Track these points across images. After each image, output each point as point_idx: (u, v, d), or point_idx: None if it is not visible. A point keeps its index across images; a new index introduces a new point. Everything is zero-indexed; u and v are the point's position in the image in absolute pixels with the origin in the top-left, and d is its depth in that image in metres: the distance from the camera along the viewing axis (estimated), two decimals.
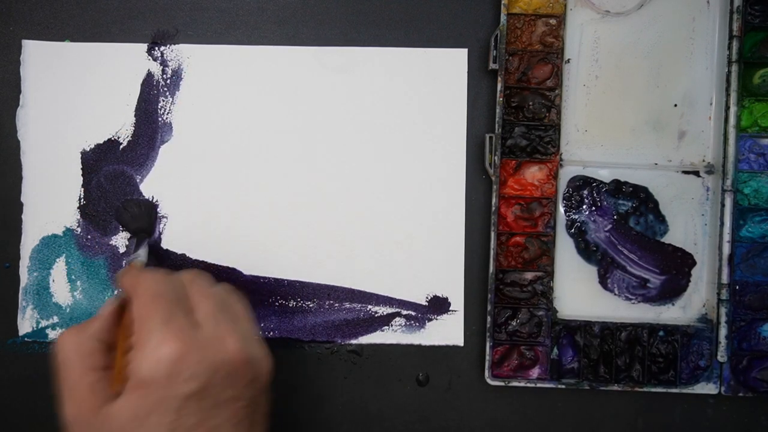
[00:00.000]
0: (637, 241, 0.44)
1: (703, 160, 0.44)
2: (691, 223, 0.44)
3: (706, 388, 0.43)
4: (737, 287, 0.43)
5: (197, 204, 0.44)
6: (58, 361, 0.31)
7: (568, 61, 0.44)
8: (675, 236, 0.44)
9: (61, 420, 0.31)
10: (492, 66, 0.43)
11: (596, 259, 0.44)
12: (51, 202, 0.43)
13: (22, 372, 0.44)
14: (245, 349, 0.31)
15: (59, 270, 0.44)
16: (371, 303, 0.44)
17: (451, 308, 0.44)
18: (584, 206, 0.44)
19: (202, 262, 0.44)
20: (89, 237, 0.44)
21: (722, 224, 0.43)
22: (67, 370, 0.31)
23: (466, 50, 0.44)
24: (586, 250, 0.44)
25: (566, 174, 0.44)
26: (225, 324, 0.31)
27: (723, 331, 0.43)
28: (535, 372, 0.43)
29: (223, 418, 0.30)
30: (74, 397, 0.30)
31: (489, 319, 0.43)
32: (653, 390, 0.43)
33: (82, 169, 0.44)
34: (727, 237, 0.43)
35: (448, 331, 0.44)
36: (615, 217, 0.44)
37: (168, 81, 0.44)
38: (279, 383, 0.44)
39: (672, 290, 0.44)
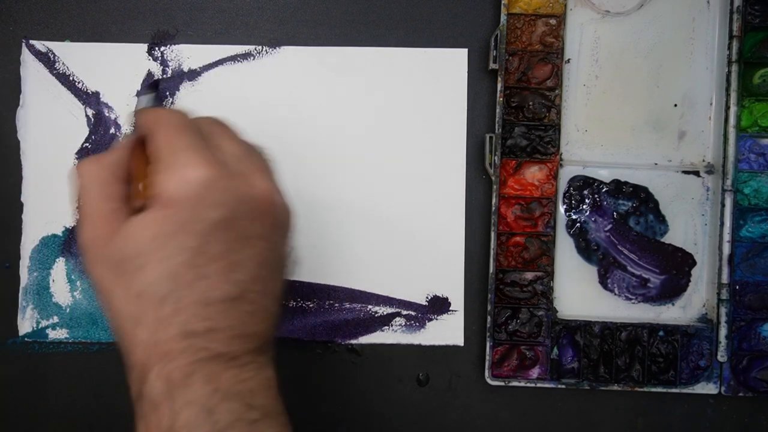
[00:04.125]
0: (637, 241, 0.44)
1: (703, 160, 0.44)
2: (691, 223, 0.44)
3: (706, 388, 0.43)
4: (737, 287, 0.43)
5: None
6: (77, 188, 0.30)
7: (568, 61, 0.44)
8: (675, 236, 0.44)
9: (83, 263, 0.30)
10: (492, 66, 0.43)
11: (596, 259, 0.44)
12: (51, 202, 0.43)
13: (22, 372, 0.44)
14: (272, 189, 0.29)
15: (59, 270, 0.44)
16: (371, 303, 0.44)
17: (451, 308, 0.44)
18: (584, 206, 0.44)
19: None
20: None
21: (722, 224, 0.43)
22: (85, 197, 0.29)
23: (466, 50, 0.44)
24: (587, 250, 0.44)
25: (566, 174, 0.44)
26: (251, 164, 0.30)
27: (723, 331, 0.43)
28: (535, 372, 0.43)
29: (247, 255, 0.28)
30: (91, 222, 0.29)
31: (489, 319, 0.43)
32: (653, 390, 0.43)
33: None
34: (727, 237, 0.43)
35: (448, 331, 0.44)
36: (615, 217, 0.44)
37: (168, 81, 0.44)
38: (278, 383, 0.44)
39: (672, 290, 0.44)
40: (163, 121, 0.29)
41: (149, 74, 0.44)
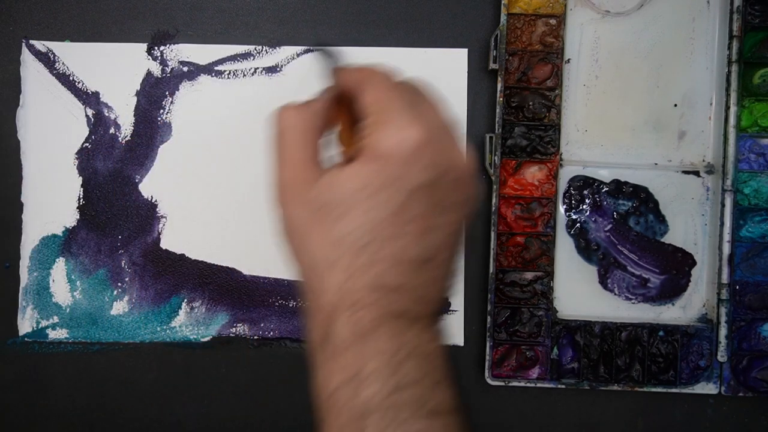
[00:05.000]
0: (637, 241, 0.44)
1: (703, 160, 0.44)
2: (691, 223, 0.44)
3: (706, 388, 0.43)
4: (737, 287, 0.43)
5: (196, 204, 0.44)
6: (278, 130, 0.31)
7: (568, 61, 0.44)
8: (675, 236, 0.44)
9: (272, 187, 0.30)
10: (492, 66, 0.43)
11: (596, 259, 0.44)
12: (51, 202, 0.43)
13: (22, 372, 0.44)
14: (472, 163, 0.30)
15: (59, 270, 0.44)
16: None
17: (451, 308, 0.44)
18: (584, 206, 0.44)
19: (202, 262, 0.44)
20: (89, 237, 0.44)
21: (722, 224, 0.43)
22: (286, 139, 0.30)
23: (466, 50, 0.44)
24: (587, 249, 0.44)
25: (566, 174, 0.44)
26: (454, 136, 0.30)
27: (723, 331, 0.43)
28: (535, 372, 0.43)
29: (442, 221, 0.28)
30: (291, 165, 0.30)
31: (489, 319, 0.43)
32: (653, 390, 0.43)
33: (81, 169, 0.44)
34: (727, 237, 0.43)
35: (448, 331, 0.44)
36: (615, 217, 0.44)
37: (167, 81, 0.44)
38: (279, 383, 0.44)
39: (672, 290, 0.44)
40: (377, 79, 0.30)
41: (149, 74, 0.44)
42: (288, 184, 0.29)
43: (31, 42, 0.43)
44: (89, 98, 0.44)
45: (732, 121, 0.43)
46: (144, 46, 0.44)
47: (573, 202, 0.44)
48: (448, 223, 0.29)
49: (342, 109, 0.32)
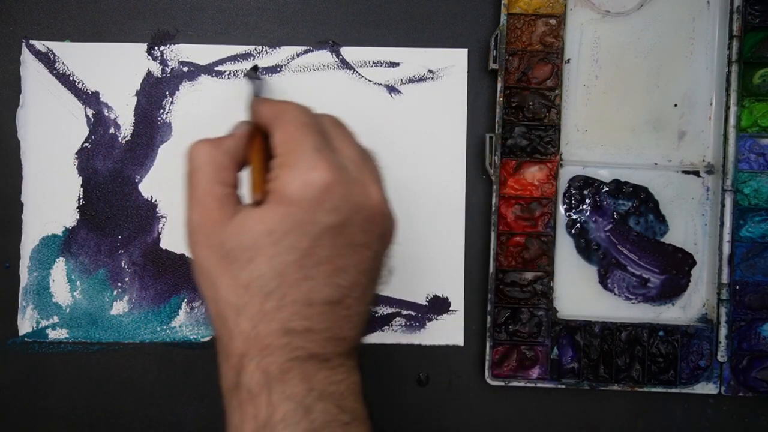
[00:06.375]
0: (637, 241, 0.44)
1: (703, 160, 0.44)
2: (691, 223, 0.44)
3: (706, 388, 0.43)
4: (737, 287, 0.43)
5: None
6: (189, 169, 0.30)
7: (568, 61, 0.44)
8: (675, 236, 0.44)
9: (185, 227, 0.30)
10: (492, 66, 0.43)
11: (596, 259, 0.44)
12: (51, 202, 0.43)
13: (22, 372, 0.44)
14: (384, 200, 0.30)
15: (59, 270, 0.44)
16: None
17: (451, 308, 0.44)
18: (584, 206, 0.44)
19: None
20: (89, 237, 0.44)
21: (722, 224, 0.43)
22: (198, 178, 0.30)
23: (466, 50, 0.44)
24: (587, 250, 0.44)
25: (566, 174, 0.44)
26: (368, 173, 0.30)
27: (723, 331, 0.43)
28: (535, 372, 0.43)
29: (352, 261, 0.29)
30: (202, 205, 0.29)
31: (489, 319, 0.43)
32: (653, 390, 0.43)
33: (81, 169, 0.44)
34: (727, 237, 0.43)
35: (448, 331, 0.44)
36: (615, 217, 0.44)
37: (167, 81, 0.44)
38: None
39: (672, 290, 0.44)
40: (288, 117, 0.30)
41: (149, 74, 0.44)
42: (197, 226, 0.29)
43: (31, 42, 0.43)
44: (89, 98, 0.44)
45: (732, 121, 0.43)
46: (144, 46, 0.44)
47: (573, 202, 0.44)
48: (359, 262, 0.29)
49: (256, 146, 0.31)
